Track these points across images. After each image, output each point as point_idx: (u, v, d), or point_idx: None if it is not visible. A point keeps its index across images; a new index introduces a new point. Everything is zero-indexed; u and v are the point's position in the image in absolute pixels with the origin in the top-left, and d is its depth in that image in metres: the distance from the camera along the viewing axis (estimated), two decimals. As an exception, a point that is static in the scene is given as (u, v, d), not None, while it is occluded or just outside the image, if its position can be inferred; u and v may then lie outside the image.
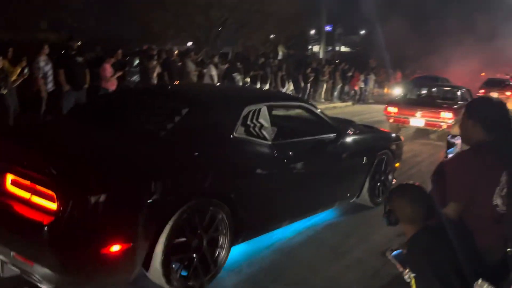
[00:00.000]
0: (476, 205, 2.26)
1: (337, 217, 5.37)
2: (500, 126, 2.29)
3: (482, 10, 29.06)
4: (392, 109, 11.76)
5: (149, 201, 2.98)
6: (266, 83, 15.29)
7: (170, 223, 3.12)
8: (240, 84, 13.28)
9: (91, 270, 2.85)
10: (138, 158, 3.18)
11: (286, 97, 5.46)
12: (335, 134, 4.91)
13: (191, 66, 12.16)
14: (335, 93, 20.07)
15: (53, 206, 2.75)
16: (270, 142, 4.07)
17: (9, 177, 3.07)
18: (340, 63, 23.49)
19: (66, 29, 15.99)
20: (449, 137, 2.94)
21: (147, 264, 3.15)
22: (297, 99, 5.45)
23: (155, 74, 10.60)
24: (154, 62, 10.57)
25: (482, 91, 21.94)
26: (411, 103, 12.06)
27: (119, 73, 9.85)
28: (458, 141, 3.08)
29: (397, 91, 19.81)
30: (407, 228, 2.30)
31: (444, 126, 11.12)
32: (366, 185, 5.42)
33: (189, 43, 18.71)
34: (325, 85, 19.24)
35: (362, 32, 44.64)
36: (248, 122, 3.94)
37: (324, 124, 4.94)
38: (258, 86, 14.82)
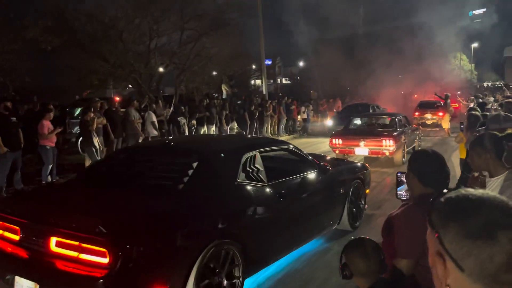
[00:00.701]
0: (427, 257, 2.32)
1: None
2: (436, 179, 2.32)
3: (408, 36, 31.09)
4: (337, 141, 12.11)
5: (178, 249, 3.52)
6: (212, 124, 15.34)
7: (197, 264, 3.57)
8: (186, 127, 13.25)
9: None
10: (165, 212, 3.67)
11: (273, 142, 6.20)
12: (316, 170, 5.55)
13: (134, 115, 11.98)
14: (282, 127, 20.46)
15: (104, 260, 3.16)
16: (266, 184, 4.63)
17: (53, 239, 3.40)
18: (283, 96, 24.11)
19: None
20: (398, 174, 2.99)
21: None
22: (282, 142, 6.12)
23: (95, 126, 10.33)
24: (91, 114, 10.38)
25: (417, 113, 23.10)
26: (353, 134, 12.49)
27: (58, 129, 9.57)
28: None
29: (330, 122, 20.56)
30: (361, 282, 2.32)
31: (387, 153, 11.59)
32: (345, 212, 6.02)
33: (130, 86, 18.51)
34: (270, 120, 19.54)
35: (300, 63, 46.17)
36: (247, 168, 4.52)
37: (306, 162, 5.60)
38: (205, 128, 14.85)
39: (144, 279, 3.31)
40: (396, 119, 12.81)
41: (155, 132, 12.49)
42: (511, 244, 1.02)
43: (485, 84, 63.85)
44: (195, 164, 4.20)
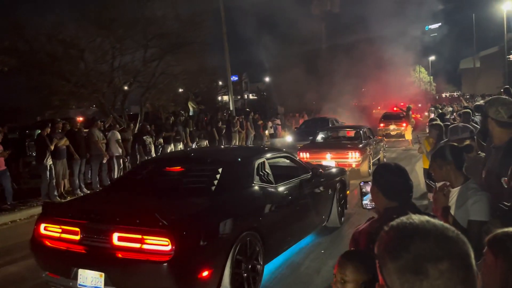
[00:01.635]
0: None
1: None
2: (400, 193, 2.32)
3: (369, 51, 31.94)
4: (304, 154, 12.17)
5: (220, 237, 4.35)
6: (180, 142, 15.14)
7: (232, 251, 4.38)
8: (152, 146, 13.04)
9: None
10: (207, 209, 4.53)
11: (274, 150, 7.16)
12: (310, 174, 6.49)
13: (98, 135, 11.65)
14: (249, 142, 20.44)
15: (167, 248, 3.89)
16: (274, 185, 5.57)
17: (116, 235, 4.08)
18: (250, 112, 24.18)
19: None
20: (361, 184, 2.94)
21: (219, 285, 4.33)
22: (280, 151, 7.09)
23: (53, 146, 10.00)
24: (48, 130, 10.08)
25: (382, 125, 23.65)
26: (320, 147, 12.60)
27: (7, 153, 9.32)
28: (369, 187, 3.11)
29: (289, 138, 20.64)
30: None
31: (353, 165, 11.71)
32: (334, 209, 7.08)
33: (94, 106, 18.11)
34: (237, 136, 19.51)
35: (266, 79, 46.60)
36: (259, 172, 5.49)
37: (301, 167, 6.63)
38: (172, 146, 14.63)
39: (197, 262, 4.09)
40: (361, 132, 13.03)
41: (120, 151, 12.19)
42: (443, 278, 0.96)
43: (443, 95, 66.37)
44: (220, 170, 5.11)
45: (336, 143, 13.03)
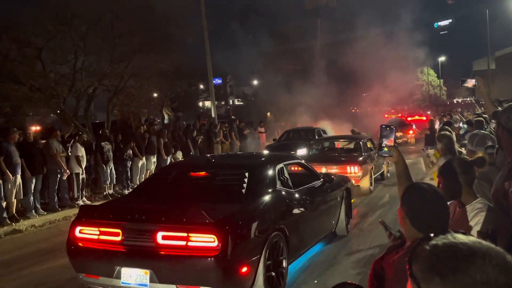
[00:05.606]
0: None
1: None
2: (433, 224, 2.13)
3: (371, 51, 32.23)
4: (297, 168, 12.12)
5: (256, 236, 5.16)
6: (153, 154, 14.99)
7: (265, 248, 5.23)
8: (110, 153, 12.96)
9: (235, 284, 4.98)
10: (241, 210, 5.36)
11: (289, 156, 8.31)
12: (321, 180, 7.52)
13: (57, 147, 11.46)
14: (234, 155, 20.38)
15: (214, 244, 4.64)
16: (293, 190, 6.54)
17: (160, 233, 4.80)
18: (235, 119, 24.12)
19: None
20: (382, 126, 3.16)
21: (253, 281, 5.15)
22: (294, 157, 8.57)
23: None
24: None
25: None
26: (314, 160, 12.51)
27: None
28: (390, 133, 3.14)
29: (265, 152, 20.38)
30: None
31: (352, 181, 11.67)
32: (342, 216, 8.13)
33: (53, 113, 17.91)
34: (220, 147, 19.41)
35: (254, 82, 46.69)
36: (280, 177, 6.47)
37: (312, 174, 7.65)
38: (144, 160, 14.48)
39: (238, 259, 4.87)
40: (361, 143, 13.05)
41: (79, 169, 12.06)
42: None
43: (455, 101, 67.12)
44: (247, 175, 6.01)
45: (333, 156, 13.08)
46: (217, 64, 29.45)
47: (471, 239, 1.10)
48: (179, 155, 16.66)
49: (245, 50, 39.03)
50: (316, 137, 18.63)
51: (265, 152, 14.40)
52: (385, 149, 3.08)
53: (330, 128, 22.64)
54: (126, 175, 14.04)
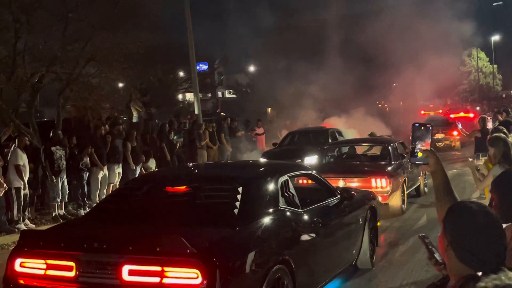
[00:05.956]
0: None
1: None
2: (485, 256, 2.11)
3: (404, 30, 32.27)
4: (306, 181, 12.08)
5: (252, 271, 5.06)
6: (118, 162, 14.93)
7: (265, 284, 5.14)
8: (63, 162, 12.96)
9: None
10: (234, 236, 5.33)
11: (294, 166, 8.83)
12: (338, 197, 7.49)
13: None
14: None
15: (197, 282, 4.52)
16: (301, 210, 6.46)
17: (127, 268, 4.68)
18: (225, 117, 24.08)
19: None
20: (415, 125, 3.07)
21: None
22: (302, 167, 8.92)
23: None
24: None
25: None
26: (329, 170, 12.45)
27: None
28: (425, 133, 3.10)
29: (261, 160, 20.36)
30: None
31: (379, 198, 11.59)
32: (365, 244, 8.08)
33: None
34: (205, 154, 19.35)
35: (250, 68, 46.75)
36: (284, 193, 6.34)
37: (327, 188, 7.66)
38: (105, 170, 14.41)
39: None
40: (390, 148, 13.03)
41: (21, 183, 12.01)
42: None
43: (512, 93, 67.18)
44: (241, 190, 5.93)
45: (353, 165, 13.06)
46: (202, 45, 29.40)
47: None
48: (152, 164, 16.66)
49: (239, 27, 39.10)
50: (330, 140, 18.58)
51: (264, 160, 14.41)
52: (419, 154, 2.96)
53: (352, 130, 22.62)
54: (83, 190, 13.97)
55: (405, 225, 11.50)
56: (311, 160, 14.38)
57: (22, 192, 12.19)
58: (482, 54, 64.35)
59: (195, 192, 6.15)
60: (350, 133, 21.65)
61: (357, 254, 7.97)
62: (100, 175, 14.39)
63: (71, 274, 4.88)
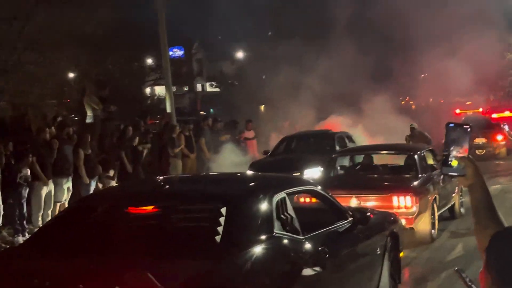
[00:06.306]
0: None
1: None
2: None
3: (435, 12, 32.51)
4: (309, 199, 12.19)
5: None
6: (67, 175, 14.98)
7: None
8: None
9: None
10: (215, 270, 5.30)
11: (296, 181, 8.82)
12: (350, 220, 7.49)
13: None
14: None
15: None
16: (302, 237, 6.41)
17: None
18: (206, 117, 24.17)
19: None
20: (450, 126, 2.91)
21: None
22: (305, 182, 8.77)
23: None
24: None
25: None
26: (340, 186, 12.53)
27: None
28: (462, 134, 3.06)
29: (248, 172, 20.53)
30: None
31: (403, 221, 11.68)
32: (384, 279, 8.12)
33: None
34: (180, 163, 19.43)
35: (239, 54, 46.86)
36: (281, 215, 6.30)
37: (335, 209, 7.72)
38: (51, 185, 14.46)
39: None
40: (416, 157, 13.12)
41: None
42: None
43: None
44: (224, 211, 5.82)
45: (369, 179, 13.22)
46: (176, 25, 29.38)
47: None
48: (110, 180, 16.66)
49: (223, 1, 39.23)
50: (338, 147, 18.62)
51: (254, 173, 14.39)
52: (453, 163, 2.86)
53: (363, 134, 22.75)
54: (21, 211, 13.99)
55: (435, 256, 11.59)
56: (313, 172, 14.48)
57: None
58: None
59: (166, 213, 6.17)
60: (362, 139, 21.65)
61: None
62: (44, 192, 14.40)
63: None
